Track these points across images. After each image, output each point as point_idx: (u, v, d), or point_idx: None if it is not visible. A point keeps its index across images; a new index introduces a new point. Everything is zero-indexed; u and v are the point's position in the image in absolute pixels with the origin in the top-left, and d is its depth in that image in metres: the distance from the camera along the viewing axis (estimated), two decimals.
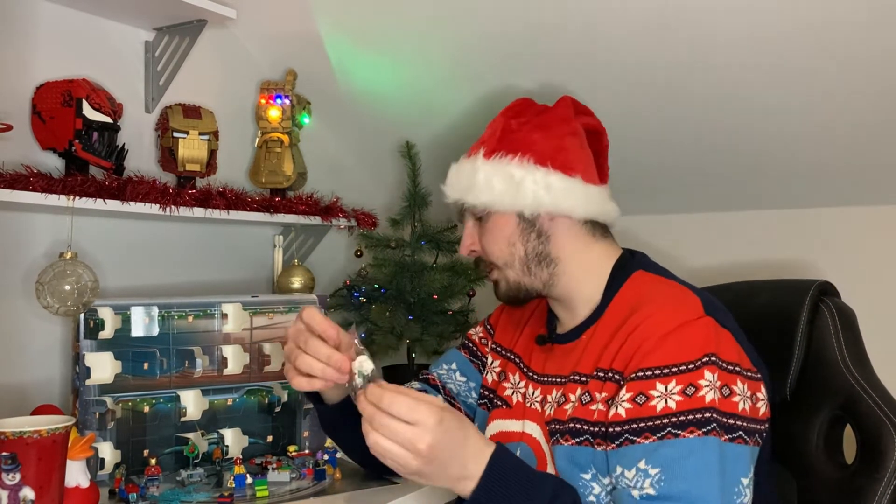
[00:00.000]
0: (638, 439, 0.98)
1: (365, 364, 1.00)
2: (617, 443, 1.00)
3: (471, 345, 1.35)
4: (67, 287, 1.29)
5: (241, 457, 1.42)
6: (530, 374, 1.21)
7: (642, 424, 0.98)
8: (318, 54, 1.76)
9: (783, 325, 1.22)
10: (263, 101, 1.77)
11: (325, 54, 1.76)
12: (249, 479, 1.29)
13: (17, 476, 0.99)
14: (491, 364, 1.29)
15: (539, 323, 1.26)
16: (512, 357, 1.26)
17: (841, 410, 1.15)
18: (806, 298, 1.21)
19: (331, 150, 2.04)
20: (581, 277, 1.16)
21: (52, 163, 1.42)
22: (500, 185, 1.14)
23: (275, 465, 1.35)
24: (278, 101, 1.76)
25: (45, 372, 1.47)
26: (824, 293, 1.23)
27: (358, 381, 0.99)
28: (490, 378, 1.28)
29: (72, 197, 1.32)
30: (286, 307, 1.52)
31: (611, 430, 1.01)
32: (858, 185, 1.55)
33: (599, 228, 1.19)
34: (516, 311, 1.31)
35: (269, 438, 1.48)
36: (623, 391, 1.01)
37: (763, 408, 1.02)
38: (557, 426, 1.10)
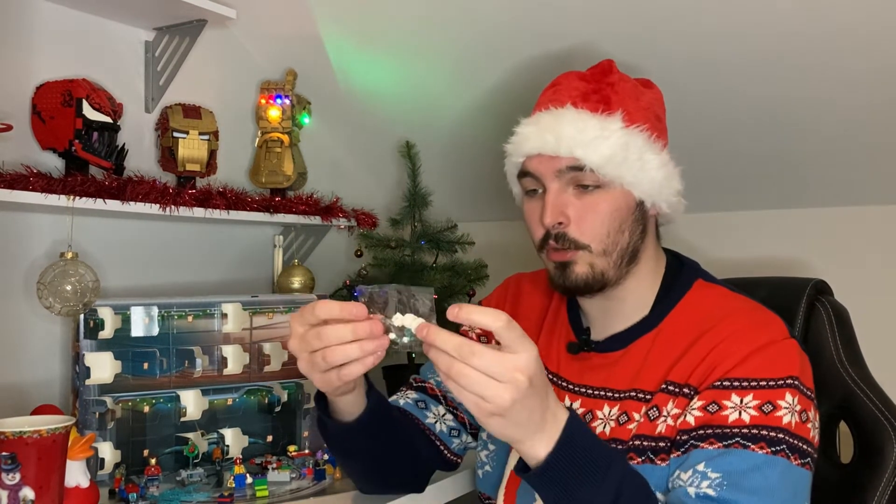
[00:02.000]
0: (702, 444, 0.92)
1: (406, 320, 0.84)
2: (682, 450, 0.95)
3: None
4: (69, 287, 1.29)
5: (241, 457, 1.41)
6: (562, 383, 1.11)
7: (710, 431, 0.93)
8: (318, 54, 1.76)
9: None
10: (263, 101, 1.77)
11: (325, 54, 1.76)
12: (249, 479, 1.29)
13: (17, 476, 0.99)
14: None
15: (559, 324, 1.16)
16: None
17: (837, 409, 1.15)
18: (803, 297, 1.21)
19: (331, 150, 2.04)
20: (641, 282, 1.07)
21: (52, 163, 1.42)
22: (636, 163, 1.00)
23: (275, 465, 1.34)
24: (278, 101, 1.76)
25: (45, 372, 1.47)
26: (820, 292, 1.23)
27: (402, 337, 0.86)
28: None
29: (72, 197, 1.32)
30: (286, 307, 1.52)
31: (678, 437, 0.96)
32: (851, 184, 1.56)
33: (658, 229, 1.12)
34: (523, 306, 1.22)
35: (269, 438, 1.48)
36: (695, 400, 0.96)
37: (817, 437, 0.98)
38: (619, 446, 1.01)
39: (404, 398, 1.24)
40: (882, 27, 1.24)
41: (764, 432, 0.91)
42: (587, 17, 1.42)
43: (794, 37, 1.31)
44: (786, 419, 0.92)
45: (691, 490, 0.91)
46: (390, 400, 1.23)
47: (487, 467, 1.19)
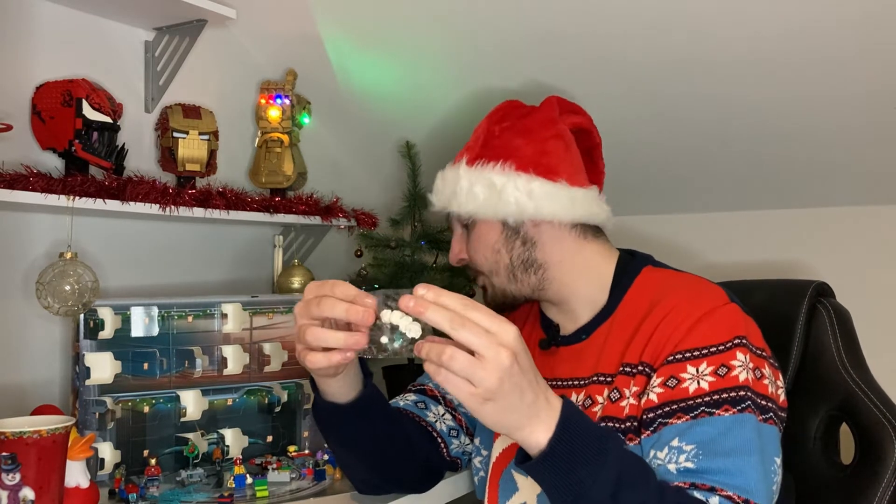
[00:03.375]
0: (671, 420, 0.97)
1: (397, 318, 0.86)
2: (651, 429, 0.99)
3: None
4: (68, 287, 1.29)
5: (241, 457, 1.41)
6: None
7: (675, 406, 0.97)
8: (318, 54, 1.76)
9: (780, 325, 1.22)
10: (263, 101, 1.77)
11: (325, 54, 1.76)
12: (249, 480, 1.29)
13: (17, 476, 0.99)
14: None
15: (534, 328, 1.23)
16: None
17: (838, 411, 1.16)
18: (804, 299, 1.22)
19: (331, 150, 2.04)
20: (575, 280, 1.16)
21: (52, 163, 1.42)
22: (483, 192, 1.14)
23: (275, 465, 1.34)
24: (278, 101, 1.76)
25: (45, 372, 1.47)
26: (821, 294, 1.24)
27: (393, 342, 0.87)
28: None
29: (72, 197, 1.32)
30: (286, 307, 1.52)
31: (644, 417, 1.00)
32: (849, 185, 1.56)
33: (591, 230, 1.18)
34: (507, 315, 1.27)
35: (269, 438, 1.48)
36: (654, 377, 1.00)
37: (782, 396, 1.03)
38: None
39: (404, 400, 1.26)
40: (881, 25, 1.24)
41: (725, 395, 0.95)
42: (587, 16, 1.42)
43: (793, 37, 1.31)
44: (742, 377, 0.96)
45: (671, 467, 0.94)
46: (389, 402, 1.23)
47: (482, 473, 1.21)
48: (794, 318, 1.22)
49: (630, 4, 1.36)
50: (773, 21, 1.29)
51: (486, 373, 0.79)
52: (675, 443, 0.95)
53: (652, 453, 0.97)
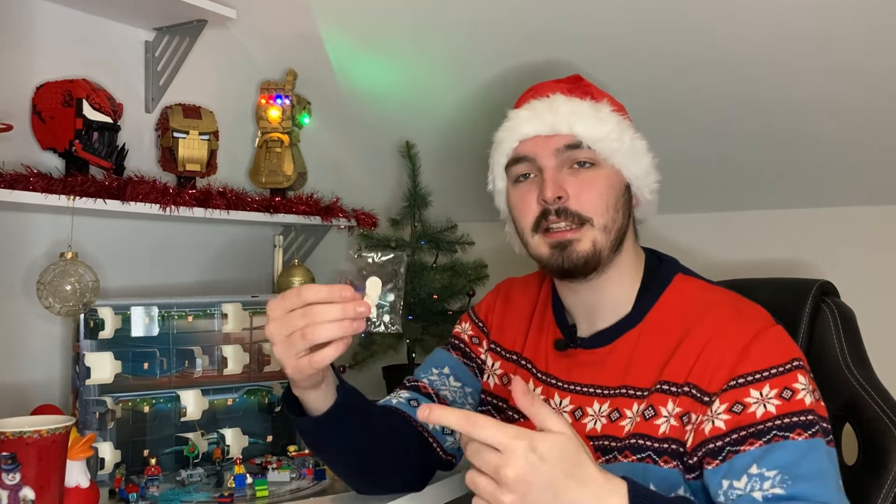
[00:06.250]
0: (742, 447, 0.92)
1: (375, 287, 0.90)
2: (720, 458, 0.93)
3: (462, 345, 1.25)
4: (68, 287, 1.29)
5: (241, 457, 1.42)
6: (551, 380, 1.12)
7: (744, 432, 0.93)
8: (318, 54, 1.76)
9: (784, 324, 1.20)
10: (263, 101, 1.77)
11: (325, 54, 1.77)
12: (249, 479, 1.29)
13: (17, 476, 0.99)
14: (492, 366, 1.22)
15: (545, 323, 1.17)
16: (522, 362, 1.17)
17: (842, 411, 1.15)
18: (808, 298, 1.21)
19: (331, 150, 2.04)
20: (622, 276, 1.08)
21: (52, 163, 1.42)
22: (628, 144, 1.06)
23: (275, 465, 1.34)
24: (278, 101, 1.76)
25: (45, 372, 1.47)
26: (825, 293, 1.23)
27: (377, 318, 0.90)
28: (492, 382, 1.20)
29: (72, 197, 1.32)
30: None
31: (711, 446, 0.95)
32: (854, 184, 1.56)
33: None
34: (512, 308, 1.23)
35: (269, 438, 1.48)
36: (717, 404, 0.95)
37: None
38: (613, 443, 1.02)
39: (397, 398, 1.22)
40: (884, 25, 1.24)
41: (795, 419, 0.92)
42: (588, 16, 1.42)
43: (793, 37, 1.31)
44: (808, 400, 0.93)
45: (757, 495, 0.89)
46: (383, 401, 1.22)
47: None
48: (798, 317, 1.21)
49: (631, 4, 1.36)
50: (776, 21, 1.29)
51: (502, 461, 0.78)
52: (753, 469, 0.90)
53: (726, 484, 0.92)
